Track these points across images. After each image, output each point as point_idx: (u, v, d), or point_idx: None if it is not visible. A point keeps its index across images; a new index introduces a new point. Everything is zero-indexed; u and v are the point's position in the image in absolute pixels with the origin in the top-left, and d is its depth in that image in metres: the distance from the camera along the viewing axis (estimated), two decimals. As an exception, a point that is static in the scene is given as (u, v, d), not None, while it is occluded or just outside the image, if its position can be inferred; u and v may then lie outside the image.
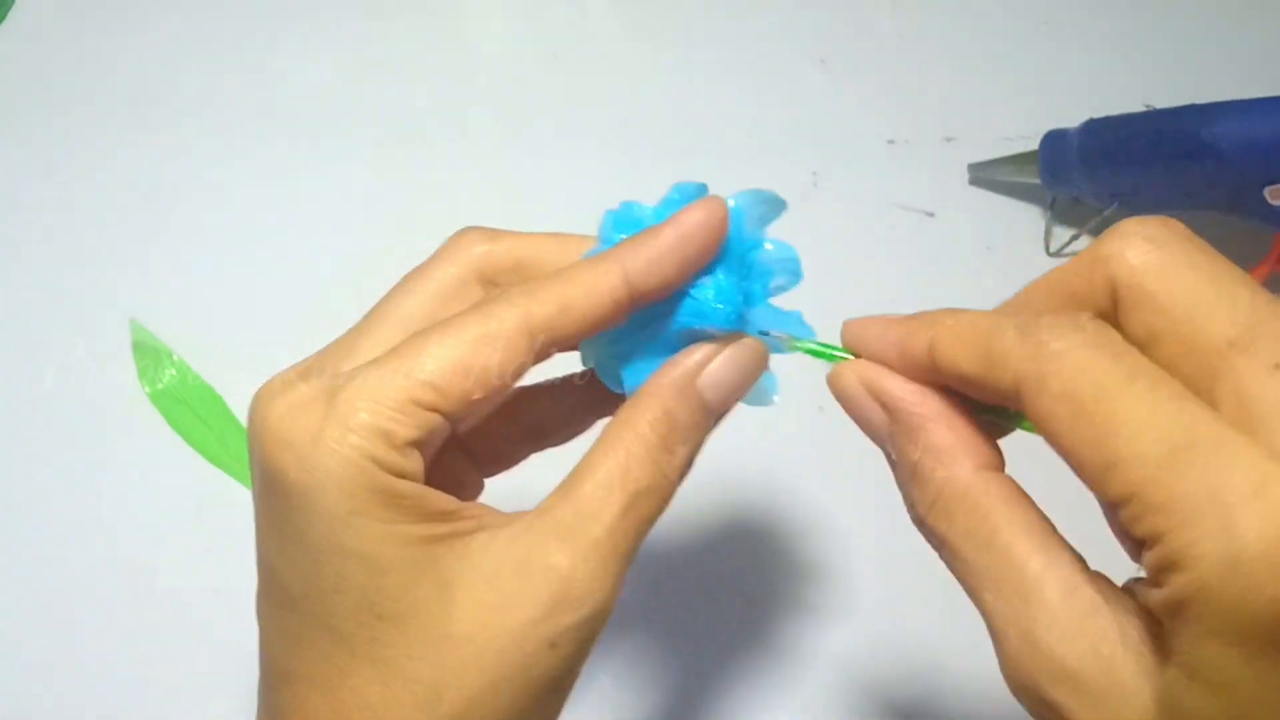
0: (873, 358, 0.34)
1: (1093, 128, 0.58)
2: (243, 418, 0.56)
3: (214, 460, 0.55)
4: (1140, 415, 0.26)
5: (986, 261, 0.61)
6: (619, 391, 0.35)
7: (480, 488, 0.40)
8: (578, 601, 0.31)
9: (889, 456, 0.33)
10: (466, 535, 0.31)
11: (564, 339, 0.32)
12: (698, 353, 0.34)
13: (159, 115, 0.66)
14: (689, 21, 0.70)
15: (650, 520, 0.33)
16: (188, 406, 0.56)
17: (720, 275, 0.34)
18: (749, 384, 0.35)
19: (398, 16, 0.71)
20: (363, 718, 0.31)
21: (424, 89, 0.67)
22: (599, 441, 0.33)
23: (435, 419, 0.31)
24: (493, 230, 0.36)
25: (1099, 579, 0.28)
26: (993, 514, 0.30)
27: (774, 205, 0.36)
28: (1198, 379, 0.27)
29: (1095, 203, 0.59)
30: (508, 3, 0.72)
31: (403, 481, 0.30)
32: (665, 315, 0.34)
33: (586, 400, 0.40)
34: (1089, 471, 0.27)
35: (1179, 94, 0.56)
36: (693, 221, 0.33)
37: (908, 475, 0.32)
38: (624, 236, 0.34)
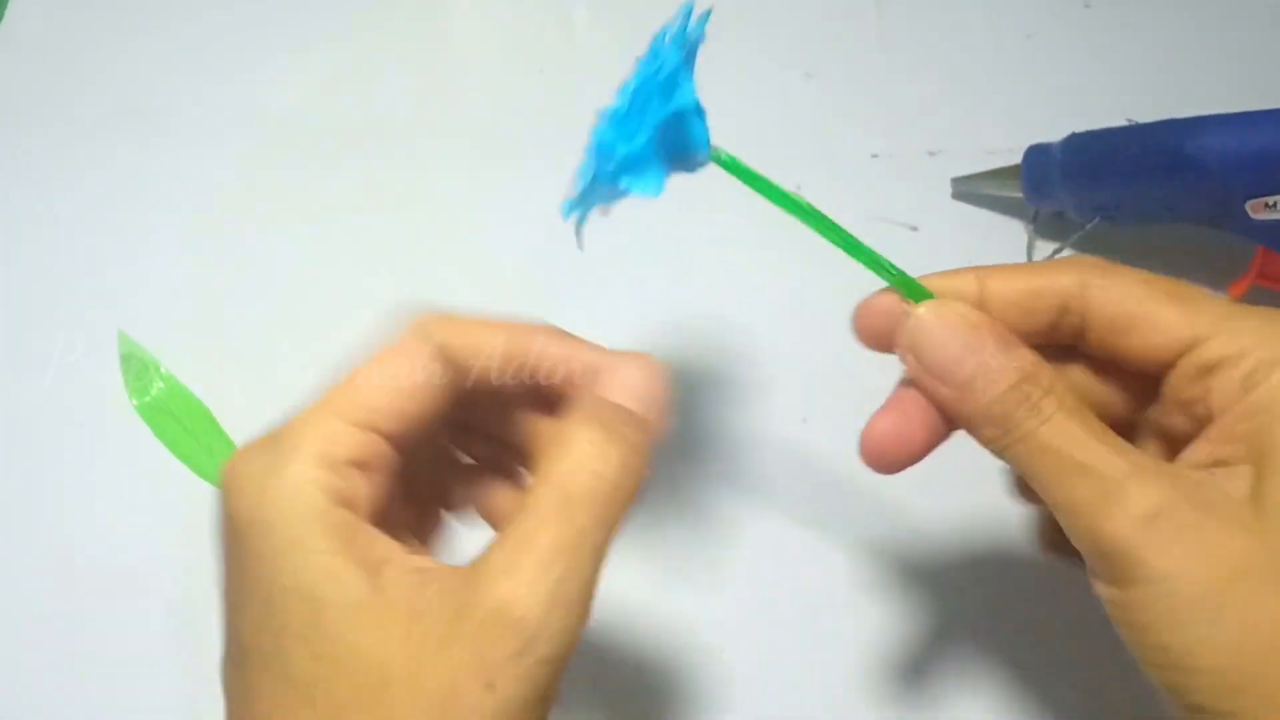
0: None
1: (1075, 142, 0.58)
2: (231, 431, 0.56)
3: (201, 473, 0.55)
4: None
5: (970, 274, 0.61)
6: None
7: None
8: (516, 632, 0.30)
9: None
10: (407, 576, 0.31)
11: (461, 353, 0.35)
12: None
13: (148, 128, 0.66)
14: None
15: (606, 524, 0.32)
16: (175, 419, 0.56)
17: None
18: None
19: (383, 30, 0.71)
20: None
21: (409, 102, 0.68)
22: None
23: (373, 438, 0.32)
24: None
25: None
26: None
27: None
28: None
29: (1078, 216, 0.59)
30: (493, 17, 0.73)
31: (343, 511, 0.31)
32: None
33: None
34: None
35: (1161, 108, 0.57)
36: None
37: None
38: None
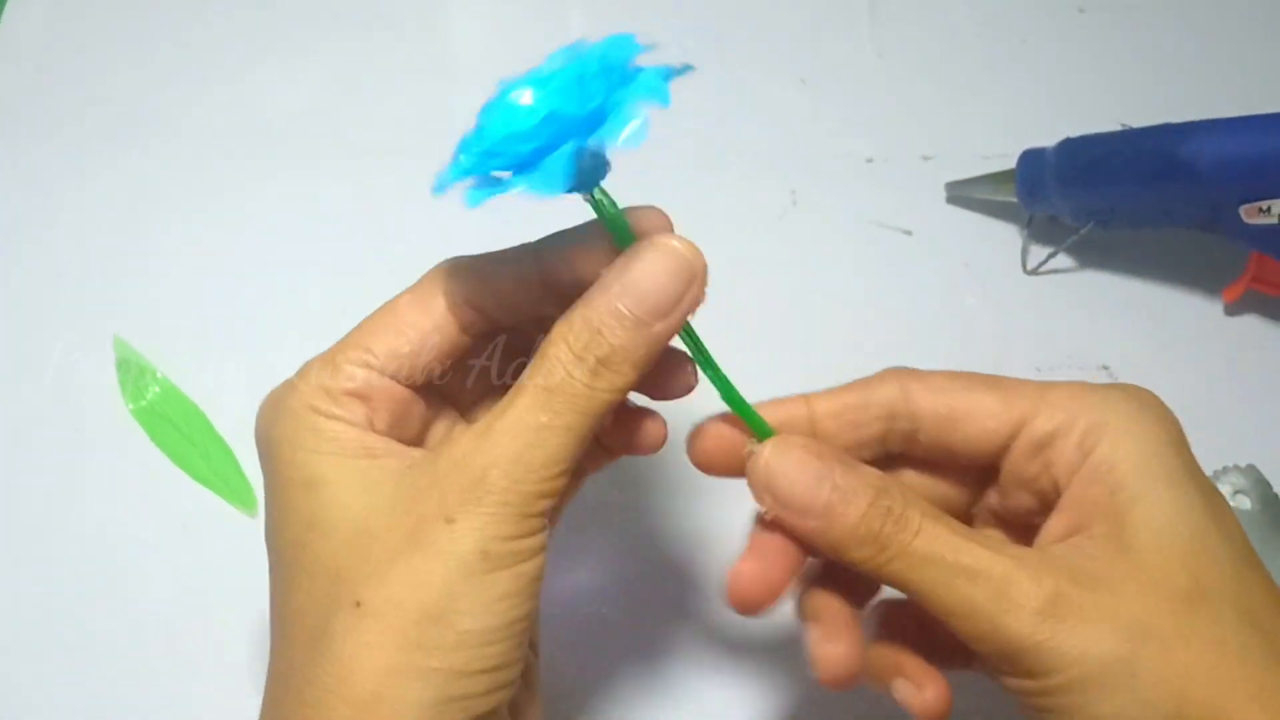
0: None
1: (1069, 146, 0.58)
2: (226, 434, 0.56)
3: (197, 477, 0.55)
4: None
5: (964, 279, 0.61)
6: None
7: None
8: (475, 479, 0.32)
9: None
10: (396, 459, 0.35)
11: (479, 299, 0.37)
12: None
13: (146, 131, 0.66)
14: (670, 41, 0.70)
15: (580, 411, 0.33)
16: (171, 423, 0.56)
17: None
18: None
19: (381, 36, 0.71)
20: (298, 622, 0.33)
21: (407, 108, 0.67)
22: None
23: (371, 374, 0.36)
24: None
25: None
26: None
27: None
28: None
29: (1072, 221, 0.59)
30: (490, 23, 0.73)
31: (334, 422, 0.35)
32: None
33: None
34: None
35: (1155, 113, 0.57)
36: None
37: None
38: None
